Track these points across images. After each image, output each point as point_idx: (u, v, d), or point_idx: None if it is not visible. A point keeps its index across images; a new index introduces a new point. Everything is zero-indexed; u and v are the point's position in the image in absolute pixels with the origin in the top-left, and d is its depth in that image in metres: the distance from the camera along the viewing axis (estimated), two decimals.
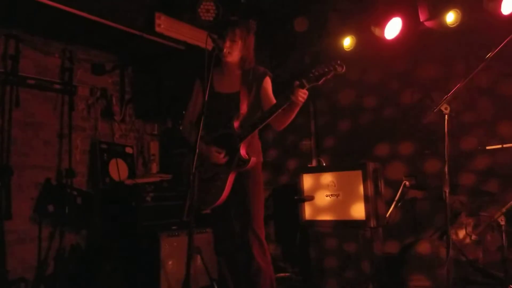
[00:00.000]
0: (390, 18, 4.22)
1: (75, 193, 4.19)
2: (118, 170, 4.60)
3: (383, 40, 4.36)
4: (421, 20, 4.03)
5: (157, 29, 4.15)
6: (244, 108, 2.76)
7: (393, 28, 4.25)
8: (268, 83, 2.87)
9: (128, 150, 4.86)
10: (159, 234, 3.87)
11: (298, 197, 4.24)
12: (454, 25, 3.92)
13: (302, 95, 2.51)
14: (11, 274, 3.67)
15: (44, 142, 4.26)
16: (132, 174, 4.75)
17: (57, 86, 4.36)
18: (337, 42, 4.65)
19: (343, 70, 2.41)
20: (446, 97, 2.85)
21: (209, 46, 2.72)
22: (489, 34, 3.65)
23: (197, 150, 2.41)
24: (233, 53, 2.81)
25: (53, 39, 4.33)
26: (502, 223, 3.36)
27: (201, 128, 2.50)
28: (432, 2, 3.91)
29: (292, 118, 2.69)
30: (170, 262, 3.86)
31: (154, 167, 5.01)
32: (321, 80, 2.46)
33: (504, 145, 3.16)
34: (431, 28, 4.09)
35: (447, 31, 4.03)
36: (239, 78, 2.87)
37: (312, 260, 4.09)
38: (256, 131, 2.78)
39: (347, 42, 4.60)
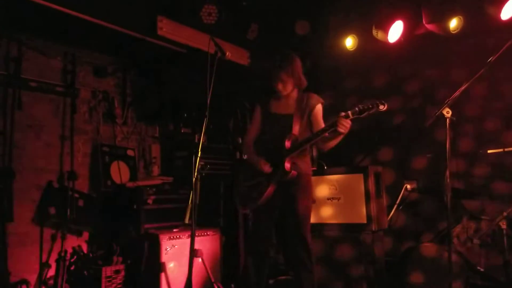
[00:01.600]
0: (393, 21, 4.22)
1: (76, 195, 4.19)
2: (119, 172, 4.60)
3: (386, 43, 4.36)
4: (424, 23, 4.03)
5: (159, 32, 4.16)
6: (296, 129, 3.08)
7: (395, 31, 4.25)
8: (319, 110, 3.18)
9: (130, 152, 4.87)
10: (161, 236, 3.87)
11: None
12: (456, 30, 3.94)
13: (346, 124, 2.80)
14: (12, 276, 3.67)
15: (46, 145, 4.27)
16: (133, 176, 4.76)
17: (59, 89, 4.37)
18: (339, 44, 4.66)
19: (385, 108, 2.71)
20: (448, 101, 2.86)
21: (212, 49, 2.79)
22: (490, 38, 3.67)
23: (199, 154, 2.45)
24: (287, 88, 3.15)
25: (56, 41, 4.34)
26: (504, 227, 3.36)
27: (203, 135, 2.64)
28: (436, 7, 3.92)
29: (336, 143, 2.99)
30: (171, 265, 3.86)
31: (156, 170, 5.02)
32: (364, 114, 2.76)
33: (506, 149, 3.16)
34: (433, 31, 4.10)
35: (449, 35, 4.04)
36: (295, 102, 3.19)
37: (314, 263, 4.08)
38: (307, 149, 3.15)
39: (349, 42, 4.61)
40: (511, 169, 3.92)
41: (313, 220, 4.16)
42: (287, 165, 3.00)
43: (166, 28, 4.22)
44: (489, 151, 3.32)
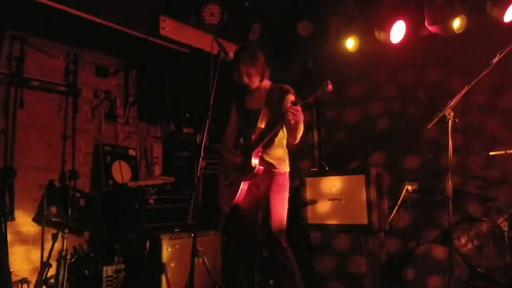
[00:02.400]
0: (394, 22, 4.22)
1: (78, 195, 4.19)
2: (121, 172, 4.61)
3: (388, 44, 4.36)
4: (426, 25, 4.03)
5: (162, 32, 4.16)
6: (262, 122, 3.02)
7: (397, 32, 4.25)
8: (289, 100, 3.02)
9: (131, 152, 4.87)
10: (162, 236, 3.87)
11: (300, 201, 4.24)
12: (460, 31, 3.94)
13: (295, 112, 2.72)
14: (14, 275, 3.67)
15: (47, 144, 4.27)
16: (135, 176, 4.76)
17: (62, 88, 4.36)
18: (340, 46, 4.66)
19: (330, 90, 2.62)
20: (450, 103, 2.87)
21: (215, 50, 2.81)
22: (493, 40, 3.67)
23: (201, 154, 2.47)
24: (254, 81, 3.12)
25: (58, 41, 4.34)
26: (505, 228, 3.37)
27: (205, 135, 2.74)
28: (439, 8, 3.92)
29: (299, 132, 2.92)
30: (172, 265, 3.86)
31: (157, 170, 5.02)
32: (308, 98, 2.68)
33: (508, 151, 3.16)
34: (436, 33, 4.10)
35: (452, 36, 4.04)
36: (265, 95, 3.14)
37: (315, 264, 4.09)
38: (283, 146, 3.12)
39: (351, 44, 4.61)
40: None
41: (314, 220, 4.19)
42: (253, 160, 2.94)
43: (169, 28, 4.21)
44: (491, 153, 3.32)
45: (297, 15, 4.81)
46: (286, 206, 3.07)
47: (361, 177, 3.93)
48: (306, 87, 2.72)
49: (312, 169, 4.71)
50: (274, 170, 3.06)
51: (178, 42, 4.32)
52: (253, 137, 2.98)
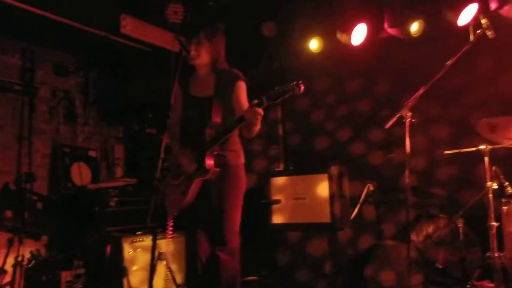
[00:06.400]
0: (356, 25, 4.31)
1: (35, 198, 4.08)
2: (80, 174, 4.50)
3: (350, 46, 4.45)
4: (386, 27, 4.14)
5: (123, 30, 4.09)
6: (216, 115, 2.75)
7: (359, 34, 4.34)
8: (240, 88, 2.83)
9: (92, 153, 4.76)
10: (123, 239, 3.79)
11: (265, 200, 4.26)
12: (417, 34, 4.06)
13: (256, 115, 2.50)
14: None
15: (2, 146, 4.13)
16: (95, 178, 4.66)
17: (17, 87, 4.22)
18: (304, 47, 4.71)
19: (301, 91, 2.45)
20: (408, 103, 2.95)
21: (177, 48, 2.73)
22: (449, 42, 3.80)
23: (162, 155, 2.40)
24: (201, 56, 2.82)
25: (13, 38, 4.19)
26: (460, 225, 3.50)
27: (169, 134, 2.54)
28: (398, 11, 4.03)
29: (256, 129, 2.67)
30: (134, 268, 3.79)
31: (119, 171, 4.93)
32: (279, 100, 2.48)
33: (462, 150, 3.28)
34: (395, 35, 4.22)
35: (411, 39, 4.16)
36: (214, 81, 2.86)
37: (280, 263, 4.12)
38: (236, 136, 2.82)
39: (314, 45, 4.67)
40: (467, 169, 4.07)
41: (279, 220, 4.21)
42: (208, 161, 2.66)
43: (130, 26, 4.15)
44: (446, 152, 3.44)
45: (262, 15, 4.83)
46: (241, 203, 2.84)
47: (324, 176, 3.98)
48: (275, 87, 2.57)
49: (276, 169, 4.75)
50: (228, 163, 2.79)
51: (140, 40, 4.27)
52: (207, 132, 2.69)
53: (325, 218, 3.92)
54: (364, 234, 4.54)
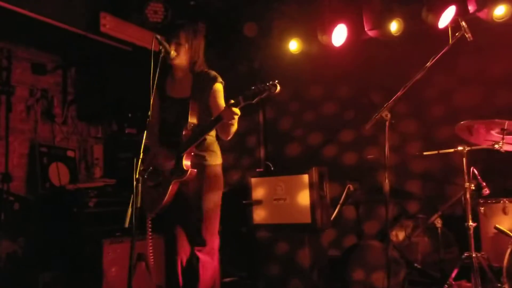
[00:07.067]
0: (336, 26, 4.32)
1: (11, 198, 4.01)
2: (58, 174, 4.43)
3: (330, 47, 4.46)
4: (366, 29, 4.17)
5: (102, 29, 4.04)
6: (193, 116, 2.75)
7: (339, 35, 4.36)
8: (217, 90, 2.83)
9: (70, 153, 4.70)
10: (102, 240, 3.74)
11: (246, 201, 4.25)
12: (397, 33, 4.09)
13: (233, 115, 2.50)
14: None
15: None
16: (74, 178, 4.59)
17: None
18: (284, 48, 4.71)
19: (277, 91, 2.44)
20: (387, 104, 2.97)
21: (156, 48, 2.71)
22: (429, 44, 3.84)
23: (141, 156, 2.38)
24: (180, 56, 2.82)
25: None
26: (439, 225, 3.54)
27: (147, 135, 2.53)
28: (376, 11, 4.06)
29: (233, 130, 2.68)
30: (113, 269, 3.75)
31: (98, 172, 4.86)
32: (256, 99, 2.47)
33: (440, 151, 3.32)
34: (375, 37, 4.25)
35: (391, 40, 4.19)
36: (191, 82, 2.85)
37: (260, 264, 4.11)
38: (212, 134, 2.81)
39: (294, 46, 4.68)
40: (446, 170, 4.12)
41: (259, 220, 4.20)
42: (185, 163, 2.65)
43: (110, 25, 4.10)
44: (424, 153, 3.47)
45: (243, 15, 4.82)
46: (220, 203, 2.84)
47: (305, 177, 3.99)
48: (252, 86, 2.57)
49: (257, 170, 4.74)
50: (205, 163, 2.78)
51: (120, 39, 4.22)
52: (184, 132, 2.69)
53: (306, 218, 3.92)
54: (344, 235, 4.57)
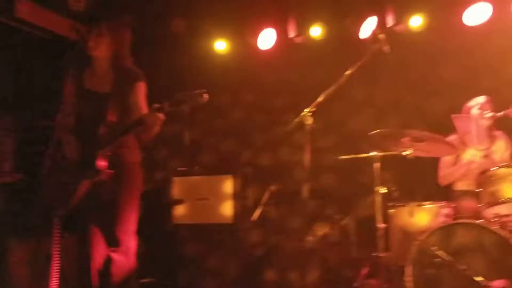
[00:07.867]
0: (263, 29, 4.39)
1: None
2: None
3: (257, 49, 4.52)
4: (290, 36, 4.26)
5: (17, 14, 3.77)
6: (112, 114, 2.61)
7: (266, 39, 4.43)
8: (140, 89, 2.71)
9: None
10: (9, 240, 3.51)
11: (167, 200, 4.18)
12: (319, 39, 4.23)
13: (156, 120, 2.44)
14: None
15: None
16: None
17: None
18: (212, 47, 4.69)
19: (205, 100, 2.42)
20: (309, 109, 3.06)
21: (74, 36, 2.58)
22: (353, 51, 4.00)
23: (50, 150, 2.25)
24: (100, 48, 2.68)
25: None
26: (352, 226, 3.72)
27: (60, 128, 2.37)
28: (300, 16, 4.17)
29: (154, 133, 2.59)
30: (23, 272, 3.52)
31: (7, 166, 4.51)
32: (182, 107, 2.42)
33: (355, 156, 3.48)
34: (299, 42, 4.37)
35: (314, 46, 4.33)
36: (112, 78, 2.71)
37: (179, 264, 4.07)
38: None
39: (222, 46, 4.67)
40: (363, 173, 4.33)
41: (180, 220, 4.15)
42: (99, 163, 2.51)
43: (26, 10, 3.85)
44: (340, 157, 3.62)
45: (171, 12, 4.73)
46: (137, 202, 2.73)
47: (228, 178, 4.02)
48: (179, 93, 2.50)
49: (180, 168, 4.67)
50: (123, 160, 2.66)
51: (36, 26, 3.97)
52: (101, 130, 2.54)
53: (227, 218, 3.95)
54: (265, 235, 4.63)
